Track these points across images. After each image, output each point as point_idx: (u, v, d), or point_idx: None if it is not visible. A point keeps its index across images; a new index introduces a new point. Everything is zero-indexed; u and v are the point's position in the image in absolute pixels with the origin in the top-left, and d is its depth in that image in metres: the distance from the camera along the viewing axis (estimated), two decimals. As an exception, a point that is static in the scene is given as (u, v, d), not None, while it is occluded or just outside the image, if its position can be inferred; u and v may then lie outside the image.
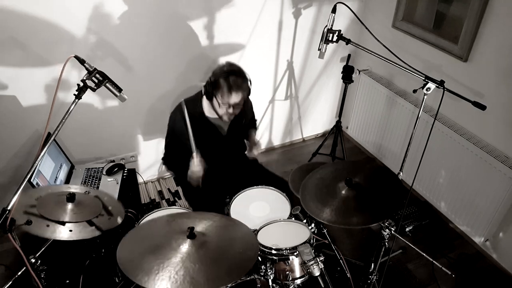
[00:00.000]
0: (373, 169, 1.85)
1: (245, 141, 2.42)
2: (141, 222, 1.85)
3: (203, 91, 2.04)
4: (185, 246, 1.39)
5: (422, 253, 2.41)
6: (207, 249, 1.42)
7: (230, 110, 2.00)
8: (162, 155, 3.01)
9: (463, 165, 2.51)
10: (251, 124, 2.45)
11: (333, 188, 1.72)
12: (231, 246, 1.49)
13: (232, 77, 1.91)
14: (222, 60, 2.64)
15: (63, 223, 1.45)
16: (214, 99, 1.98)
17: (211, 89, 1.96)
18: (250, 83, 2.02)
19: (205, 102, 2.10)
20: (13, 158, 2.50)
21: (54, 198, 1.55)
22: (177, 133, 2.11)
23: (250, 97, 2.32)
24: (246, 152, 2.36)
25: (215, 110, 2.05)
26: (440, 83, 1.76)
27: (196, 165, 2.01)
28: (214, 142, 2.20)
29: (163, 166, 2.36)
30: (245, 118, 2.27)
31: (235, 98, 1.94)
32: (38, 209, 1.45)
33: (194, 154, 2.01)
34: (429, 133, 1.83)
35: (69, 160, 2.55)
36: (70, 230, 1.45)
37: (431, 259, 2.38)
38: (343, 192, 1.68)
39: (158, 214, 1.89)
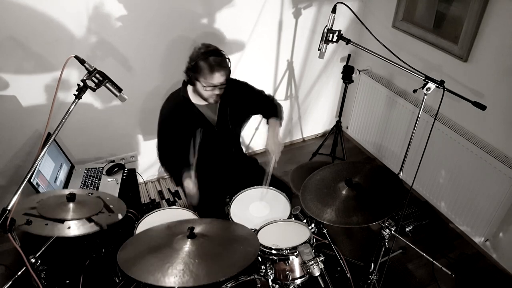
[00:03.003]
0: (373, 169, 1.85)
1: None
2: (140, 229, 1.82)
3: (185, 78, 2.04)
4: (185, 246, 1.39)
5: (422, 253, 2.41)
6: (208, 246, 1.42)
7: (216, 91, 1.99)
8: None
9: (463, 165, 2.51)
10: (265, 105, 2.29)
11: (333, 189, 1.72)
12: (231, 243, 1.49)
13: (211, 57, 1.90)
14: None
15: (62, 221, 1.45)
16: (198, 83, 1.97)
17: (193, 73, 1.95)
18: (229, 61, 2.00)
19: (189, 89, 2.08)
20: (13, 158, 2.50)
21: (55, 200, 1.55)
22: (170, 121, 2.09)
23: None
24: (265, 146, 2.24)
25: (200, 95, 2.03)
26: (440, 83, 1.76)
27: (191, 187, 2.02)
28: (204, 132, 2.16)
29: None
30: (236, 107, 2.19)
31: (219, 77, 1.93)
32: (39, 210, 1.45)
33: (192, 175, 2.02)
34: (429, 133, 1.83)
35: (69, 160, 2.55)
36: (69, 227, 1.45)
37: (431, 259, 2.38)
38: (343, 192, 1.69)
39: (158, 214, 1.89)
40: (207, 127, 2.14)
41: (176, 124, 2.09)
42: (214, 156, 2.23)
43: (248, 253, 1.42)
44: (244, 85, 2.24)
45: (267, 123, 2.26)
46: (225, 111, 2.16)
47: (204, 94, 2.01)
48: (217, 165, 2.25)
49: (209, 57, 1.90)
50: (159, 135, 2.19)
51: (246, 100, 2.22)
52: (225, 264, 1.35)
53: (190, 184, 2.02)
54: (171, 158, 2.19)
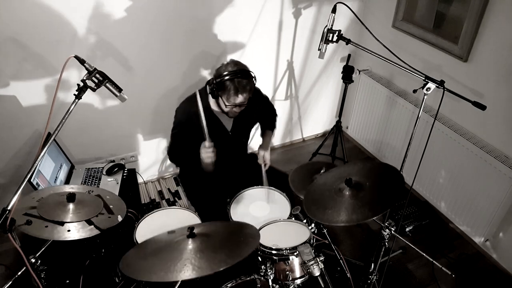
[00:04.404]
0: (374, 167, 1.84)
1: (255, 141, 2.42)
2: (140, 229, 1.82)
3: (208, 90, 2.03)
4: (187, 245, 1.40)
5: (422, 253, 2.41)
6: (209, 242, 1.43)
7: (236, 109, 2.00)
8: (162, 154, 3.04)
9: (463, 165, 2.51)
10: (270, 117, 2.41)
11: (335, 191, 1.70)
12: (231, 238, 1.50)
13: (238, 79, 1.89)
14: (222, 60, 2.64)
15: (61, 223, 1.45)
16: (220, 99, 1.97)
17: (216, 89, 1.94)
18: (255, 79, 1.99)
19: (210, 97, 2.08)
20: (13, 158, 2.50)
21: (55, 199, 1.55)
22: (187, 124, 2.07)
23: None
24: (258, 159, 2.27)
25: (220, 108, 2.05)
26: (440, 83, 1.76)
27: (207, 149, 1.96)
28: (219, 137, 2.17)
29: (168, 159, 2.32)
30: (250, 116, 2.23)
31: (241, 99, 1.93)
32: (38, 210, 1.45)
33: (207, 141, 1.95)
34: (429, 133, 1.83)
35: (69, 160, 2.55)
36: (68, 230, 1.45)
37: (431, 259, 2.38)
38: (347, 193, 1.66)
39: (158, 214, 1.89)
40: (222, 133, 2.17)
41: (193, 127, 2.06)
42: (223, 160, 2.23)
43: (249, 243, 1.43)
44: (264, 99, 2.31)
45: (262, 133, 2.38)
46: (241, 119, 2.18)
47: (224, 109, 2.02)
48: (224, 167, 2.25)
49: (236, 78, 1.88)
50: (173, 136, 2.16)
51: (258, 111, 2.29)
52: (225, 254, 1.37)
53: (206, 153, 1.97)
54: (182, 152, 2.15)
